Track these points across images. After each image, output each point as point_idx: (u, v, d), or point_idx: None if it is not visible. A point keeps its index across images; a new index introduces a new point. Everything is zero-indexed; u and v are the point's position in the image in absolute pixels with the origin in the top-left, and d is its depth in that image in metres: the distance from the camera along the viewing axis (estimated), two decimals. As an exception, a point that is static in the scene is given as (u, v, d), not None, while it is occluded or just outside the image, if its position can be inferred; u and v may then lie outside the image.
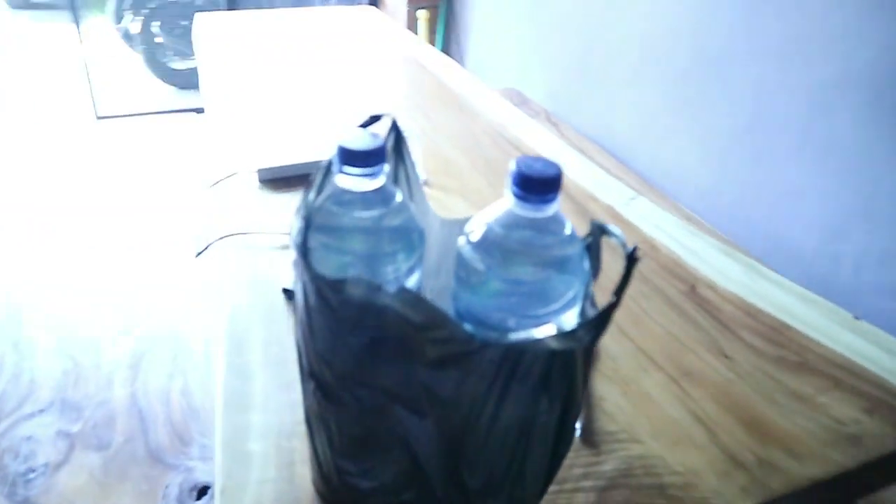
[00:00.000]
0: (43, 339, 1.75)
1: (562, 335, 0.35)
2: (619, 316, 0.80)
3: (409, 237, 0.43)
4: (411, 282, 0.43)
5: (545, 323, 0.38)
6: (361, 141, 0.43)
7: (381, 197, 0.43)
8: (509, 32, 2.75)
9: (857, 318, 0.85)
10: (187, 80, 4.02)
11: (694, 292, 0.86)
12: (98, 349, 1.72)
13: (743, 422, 0.67)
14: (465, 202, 1.04)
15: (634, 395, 0.69)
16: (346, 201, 0.42)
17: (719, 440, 0.65)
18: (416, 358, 0.37)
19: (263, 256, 0.89)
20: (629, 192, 1.12)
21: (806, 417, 0.68)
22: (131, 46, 3.95)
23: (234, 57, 1.72)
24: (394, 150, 0.59)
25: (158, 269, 2.08)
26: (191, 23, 3.90)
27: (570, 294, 0.39)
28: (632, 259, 0.37)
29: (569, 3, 2.32)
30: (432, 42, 3.21)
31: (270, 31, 2.01)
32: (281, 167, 1.06)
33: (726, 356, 0.76)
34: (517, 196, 0.39)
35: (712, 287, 0.88)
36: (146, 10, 3.84)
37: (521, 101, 2.42)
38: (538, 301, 0.38)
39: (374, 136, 0.45)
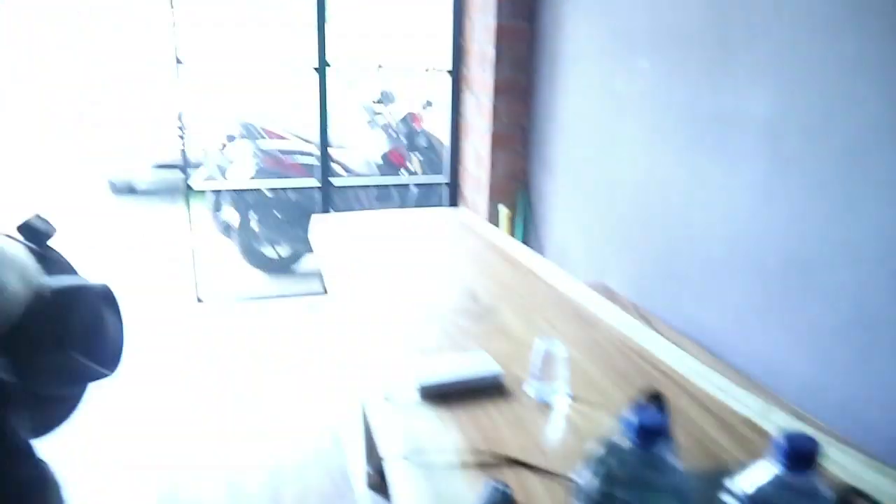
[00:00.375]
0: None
1: None
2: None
3: (685, 495, 0.52)
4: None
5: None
6: (656, 419, 0.53)
7: (665, 462, 0.53)
8: (590, 226, 2.95)
9: None
10: (279, 267, 4.32)
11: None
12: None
13: None
14: (610, 417, 1.13)
15: None
16: (638, 466, 0.52)
17: None
18: None
19: (442, 476, 0.97)
20: (761, 403, 1.19)
21: None
22: (228, 236, 4.29)
23: (350, 252, 1.91)
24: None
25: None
26: (284, 215, 4.28)
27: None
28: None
29: (649, 199, 2.51)
30: (512, 235, 3.43)
31: (376, 229, 2.22)
32: (443, 384, 1.17)
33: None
34: (786, 466, 0.48)
35: (871, 501, 0.92)
36: (244, 203, 4.21)
37: (608, 295, 2.54)
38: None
39: (661, 413, 0.55)
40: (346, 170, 4.35)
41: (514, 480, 0.95)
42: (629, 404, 1.16)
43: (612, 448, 0.54)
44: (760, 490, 0.49)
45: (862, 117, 1.67)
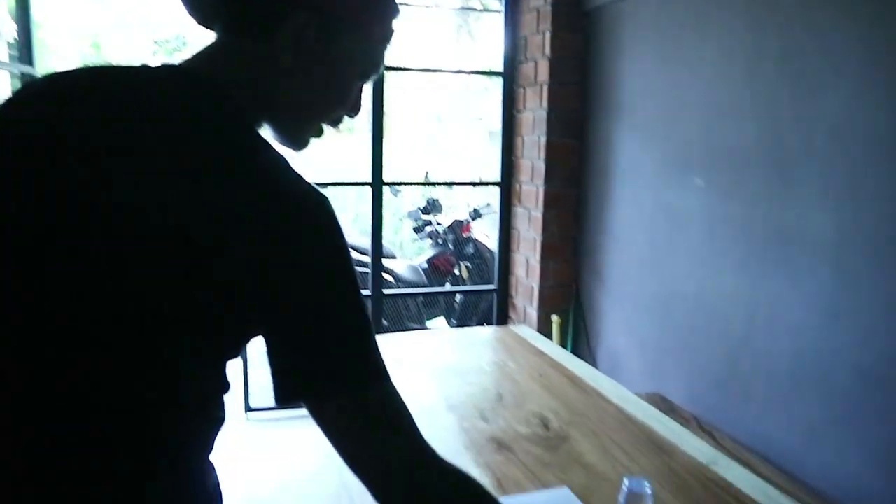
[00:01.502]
0: None
1: None
2: None
3: None
4: None
5: None
6: None
7: None
8: (644, 336, 2.95)
9: None
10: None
11: None
12: None
13: None
14: (703, 557, 1.11)
15: None
16: None
17: None
18: None
19: None
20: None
21: None
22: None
23: (409, 377, 1.94)
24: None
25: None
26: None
27: None
28: None
29: (707, 311, 2.52)
30: (564, 343, 3.44)
31: (431, 350, 2.26)
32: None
33: None
34: None
35: None
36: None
37: (667, 407, 2.52)
38: None
39: None
40: (395, 277, 4.44)
41: None
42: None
43: None
44: None
45: (924, 239, 1.69)
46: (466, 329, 2.58)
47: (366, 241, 3.67)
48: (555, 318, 3.38)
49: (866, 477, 1.87)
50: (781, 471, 2.09)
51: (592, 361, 3.38)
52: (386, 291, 3.79)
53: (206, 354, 0.73)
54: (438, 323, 4.81)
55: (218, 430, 0.79)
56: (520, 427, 1.63)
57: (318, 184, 0.74)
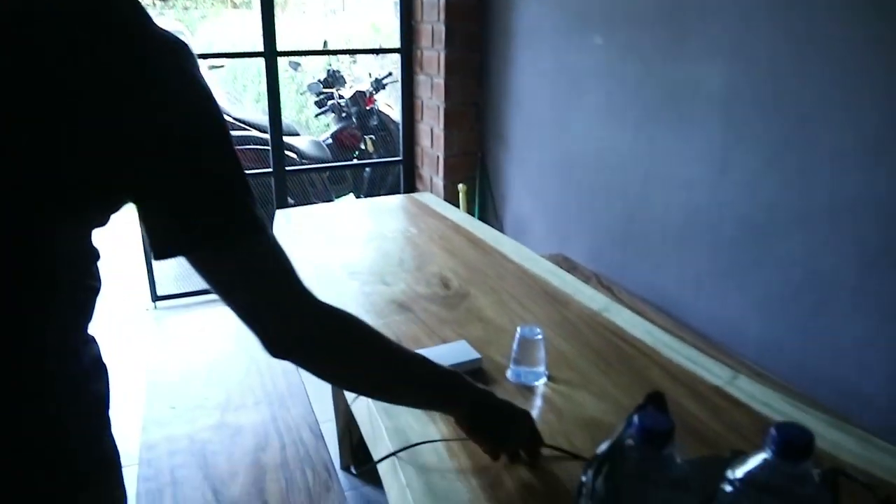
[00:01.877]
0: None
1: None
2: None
3: (685, 487, 0.56)
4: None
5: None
6: (661, 423, 0.57)
7: (669, 461, 0.57)
8: (549, 199, 3.00)
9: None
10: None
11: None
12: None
13: None
14: (589, 395, 1.17)
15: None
16: (645, 466, 0.56)
17: None
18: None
19: (431, 469, 1.01)
20: (728, 371, 1.25)
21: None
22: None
23: (315, 246, 1.91)
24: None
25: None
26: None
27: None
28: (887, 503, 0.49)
29: (607, 171, 2.57)
30: (471, 211, 3.46)
31: (339, 220, 2.23)
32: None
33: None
34: (779, 456, 0.53)
35: (835, 462, 0.99)
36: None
37: (569, 266, 2.60)
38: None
39: (667, 417, 0.59)
40: (298, 154, 4.30)
41: (500, 463, 0.99)
42: (630, 405, 1.21)
43: (618, 449, 0.57)
44: (755, 477, 0.54)
45: (812, 90, 1.74)
46: (369, 199, 2.54)
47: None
48: (461, 187, 3.38)
49: (745, 321, 2.01)
50: (672, 318, 2.22)
51: (500, 227, 3.43)
52: (288, 168, 3.67)
53: (73, 220, 0.67)
54: (347, 199, 4.75)
55: (93, 299, 0.75)
56: (420, 288, 1.64)
57: (208, 55, 0.67)
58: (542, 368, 1.22)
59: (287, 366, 2.02)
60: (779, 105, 1.83)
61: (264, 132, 3.84)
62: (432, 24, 3.31)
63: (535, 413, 1.13)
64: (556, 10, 2.75)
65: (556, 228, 2.98)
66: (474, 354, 1.27)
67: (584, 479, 0.59)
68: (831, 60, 1.68)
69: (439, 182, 3.53)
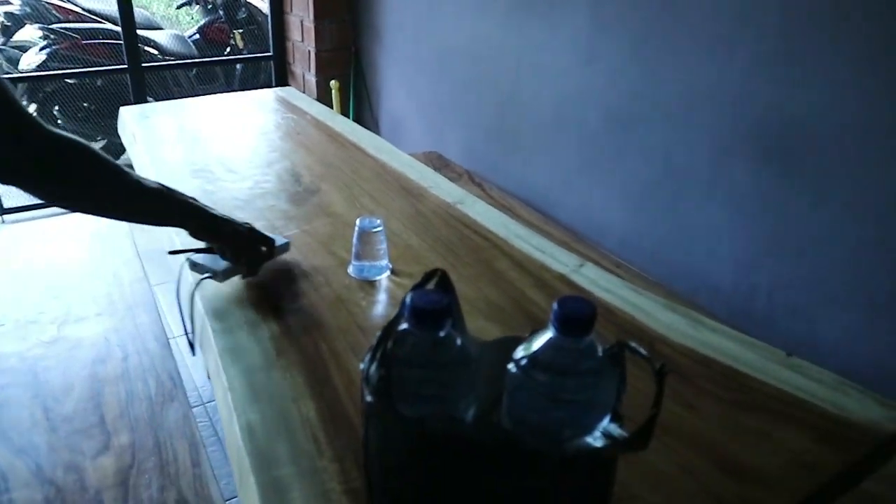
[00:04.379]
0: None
1: (621, 441, 0.44)
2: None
3: (469, 370, 0.51)
4: (472, 406, 0.51)
5: (590, 430, 0.47)
6: (432, 301, 0.51)
7: (446, 342, 0.51)
8: (423, 95, 2.89)
9: (789, 354, 0.99)
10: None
11: (653, 350, 0.98)
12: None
13: (720, 464, 0.78)
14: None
15: (627, 456, 0.79)
16: (418, 349, 0.50)
17: (705, 486, 0.75)
18: (490, 474, 0.46)
19: (257, 371, 0.94)
20: (575, 259, 1.23)
21: (769, 452, 0.80)
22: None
23: (164, 144, 1.75)
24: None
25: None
26: (92, 105, 3.86)
27: (607, 404, 0.48)
28: (661, 374, 0.46)
29: (479, 65, 2.48)
30: (345, 110, 3.31)
31: (192, 117, 2.05)
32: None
33: (692, 406, 0.87)
34: (561, 332, 0.48)
35: (666, 343, 1.00)
36: (43, 95, 3.76)
37: (441, 163, 2.54)
38: (583, 412, 0.47)
39: (440, 295, 0.53)
40: (160, 50, 3.95)
41: (327, 350, 0.94)
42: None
43: (389, 332, 0.52)
44: (540, 355, 0.50)
45: (667, -30, 1.69)
46: (225, 95, 2.35)
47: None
48: (333, 84, 3.21)
49: (609, 213, 2.02)
50: (541, 213, 2.21)
51: (375, 125, 3.30)
52: (146, 64, 3.36)
53: None
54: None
55: None
56: (268, 184, 1.54)
57: None
58: (384, 262, 1.16)
59: (135, 274, 1.88)
60: (642, -10, 1.78)
61: (115, 24, 3.47)
62: None
63: (378, 307, 1.08)
64: None
65: (431, 126, 2.89)
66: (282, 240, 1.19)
67: (361, 365, 0.53)
68: (692, -59, 1.63)
69: (312, 79, 3.33)
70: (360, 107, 3.37)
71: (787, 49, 1.47)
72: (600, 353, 0.50)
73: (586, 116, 2.03)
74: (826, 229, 1.47)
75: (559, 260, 1.23)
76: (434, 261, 1.21)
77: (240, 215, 1.38)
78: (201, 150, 1.76)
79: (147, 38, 3.88)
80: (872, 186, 1.37)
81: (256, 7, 4.34)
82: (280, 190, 1.50)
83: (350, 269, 1.17)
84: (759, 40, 1.52)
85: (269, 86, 3.80)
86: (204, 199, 1.45)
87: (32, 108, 3.76)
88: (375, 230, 1.13)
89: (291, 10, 3.37)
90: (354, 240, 1.15)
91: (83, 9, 3.96)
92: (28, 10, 3.96)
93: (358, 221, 1.14)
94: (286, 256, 1.20)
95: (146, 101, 3.34)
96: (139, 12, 4.38)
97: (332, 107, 3.20)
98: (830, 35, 1.39)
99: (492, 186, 2.35)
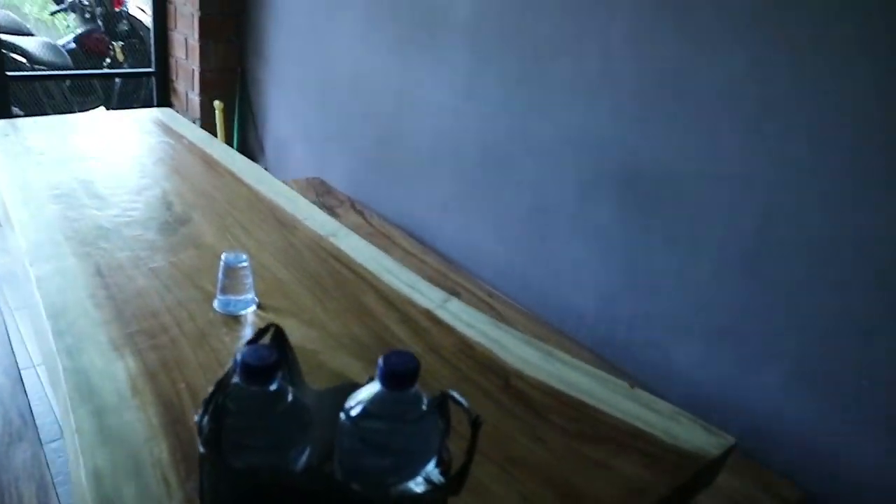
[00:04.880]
0: None
1: (437, 487, 0.48)
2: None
3: (301, 421, 0.53)
4: (304, 455, 0.53)
5: (415, 475, 0.51)
6: (261, 357, 0.53)
7: (277, 396, 0.53)
8: (308, 120, 2.89)
9: (632, 386, 1.07)
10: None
11: (508, 385, 1.03)
12: None
13: (561, 495, 0.83)
14: (298, 322, 1.14)
15: (472, 487, 0.83)
16: (249, 403, 0.52)
17: (544, 516, 0.80)
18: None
19: (112, 413, 0.92)
20: (441, 294, 1.28)
21: (605, 481, 0.86)
22: None
23: (20, 164, 1.67)
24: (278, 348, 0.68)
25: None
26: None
27: (431, 450, 0.51)
28: (476, 424, 0.50)
29: (364, 93, 2.51)
30: (230, 132, 3.25)
31: (61, 134, 1.97)
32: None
33: (540, 439, 0.92)
34: (386, 386, 0.51)
35: (521, 377, 1.05)
36: None
37: (324, 190, 2.55)
38: (408, 459, 0.50)
39: (270, 351, 0.55)
40: (28, 58, 3.74)
41: (186, 388, 0.93)
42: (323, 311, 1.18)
43: (223, 387, 0.53)
44: (368, 405, 0.52)
45: (544, 26, 1.79)
46: (95, 113, 2.27)
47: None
48: (217, 104, 3.15)
49: (484, 244, 2.09)
50: (420, 242, 2.26)
51: (261, 149, 3.27)
52: (12, 73, 3.18)
53: None
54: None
55: None
56: (136, 212, 1.50)
57: None
58: (249, 296, 1.16)
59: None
60: (517, 37, 1.87)
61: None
62: (180, -82, 2.98)
63: (241, 343, 1.08)
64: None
65: (315, 152, 2.89)
66: None
67: (196, 418, 0.54)
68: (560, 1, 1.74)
69: (195, 98, 3.26)
70: (246, 129, 3.32)
71: (640, 102, 1.59)
72: (425, 403, 0.53)
73: (464, 151, 2.10)
74: (675, 266, 1.59)
75: (426, 295, 1.27)
76: (302, 295, 1.22)
77: (104, 245, 1.34)
78: (66, 173, 1.69)
79: (13, 43, 3.67)
80: (709, 228, 1.50)
81: (139, 20, 4.19)
82: (148, 218, 1.47)
83: (215, 304, 1.16)
84: (618, 93, 1.64)
85: (150, 102, 3.68)
86: (65, 228, 1.40)
87: None
88: (241, 265, 1.13)
89: (176, 27, 3.29)
90: (220, 274, 1.14)
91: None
92: None
93: (224, 256, 1.14)
94: (150, 289, 1.18)
95: (11, 114, 3.16)
96: (5, 15, 4.14)
97: (215, 128, 3.14)
98: (674, 92, 1.52)
99: (373, 214, 2.38)
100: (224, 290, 1.14)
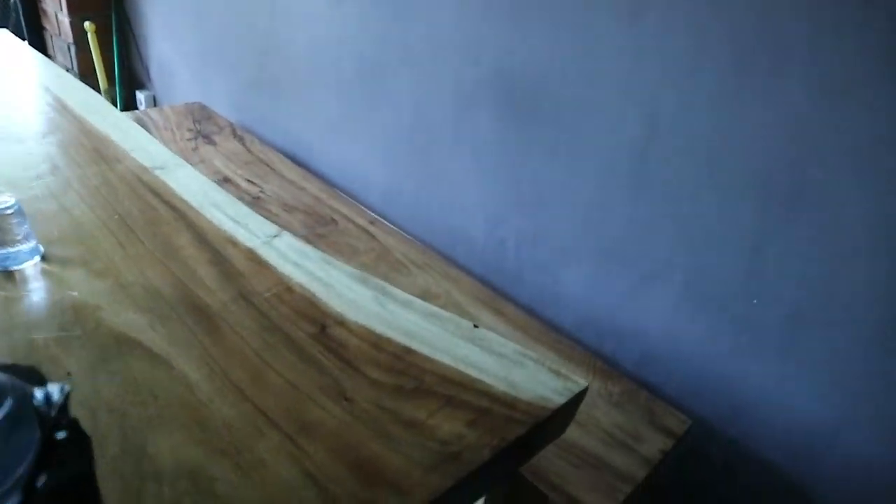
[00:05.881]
0: None
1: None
2: (238, 376, 0.79)
3: None
4: None
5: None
6: None
7: None
8: (188, 42, 2.62)
9: (476, 326, 0.93)
10: None
11: (323, 332, 0.88)
12: None
13: (353, 468, 0.69)
14: (86, 273, 0.96)
15: (247, 464, 0.69)
16: None
17: (329, 495, 0.66)
18: None
19: None
20: (273, 229, 1.11)
21: (413, 446, 0.73)
22: None
23: None
24: None
25: None
26: None
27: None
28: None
29: (236, 12, 2.25)
30: (106, 54, 2.95)
31: None
32: None
33: (346, 398, 0.78)
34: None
35: (342, 323, 0.90)
36: None
37: (205, 115, 2.31)
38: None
39: None
40: None
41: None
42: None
43: None
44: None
45: None
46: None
47: None
48: (88, 25, 2.84)
49: (369, 165, 1.92)
50: (304, 167, 2.07)
51: (146, 74, 2.98)
52: None
53: None
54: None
55: None
56: (-76, 152, 1.27)
57: None
58: (26, 247, 0.97)
59: None
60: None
61: None
62: None
63: (17, 304, 0.90)
64: None
65: (197, 75, 2.63)
66: None
67: None
68: None
69: (65, 19, 2.93)
70: (128, 53, 3.02)
71: (512, -7, 1.40)
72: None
73: (340, 64, 1.89)
74: (559, 180, 1.44)
75: (253, 231, 1.09)
76: (100, 240, 1.04)
77: None
78: None
79: None
80: (592, 137, 1.35)
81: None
82: (-62, 157, 1.25)
83: (-15, 258, 0.97)
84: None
85: (19, 24, 3.32)
86: None
87: None
88: (6, 211, 0.94)
89: (34, -62, 2.93)
90: (-14, 222, 0.95)
91: None
92: None
93: (-13, 200, 0.94)
94: None
95: None
96: None
97: (89, 50, 2.84)
98: (550, -22, 1.33)
99: (254, 140, 2.17)
100: (-6, 241, 0.96)
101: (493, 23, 1.45)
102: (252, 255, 1.03)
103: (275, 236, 1.08)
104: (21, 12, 3.16)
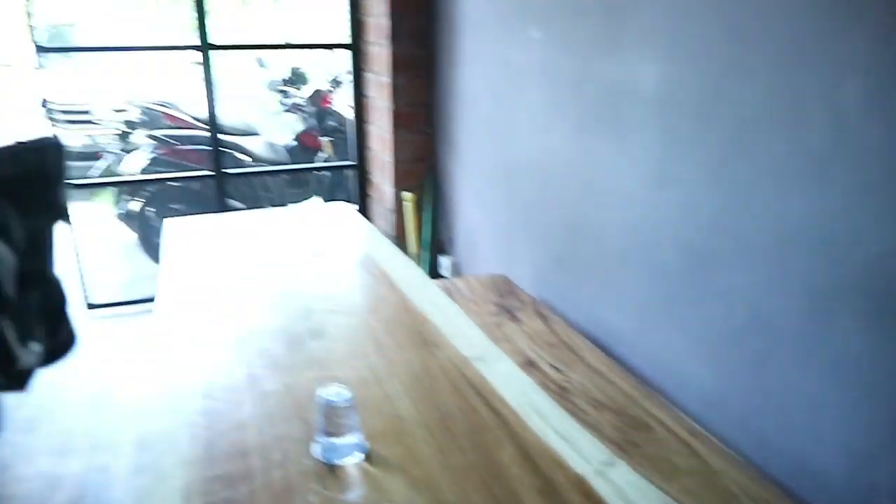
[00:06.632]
0: None
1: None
2: None
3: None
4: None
5: None
6: None
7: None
8: (495, 212, 2.70)
9: None
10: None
11: None
12: None
13: None
14: (405, 482, 0.87)
15: None
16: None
17: None
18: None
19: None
20: (605, 454, 0.95)
21: None
22: (129, 226, 3.96)
23: (184, 263, 1.63)
24: None
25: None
26: (183, 206, 3.95)
27: None
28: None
29: (547, 181, 2.27)
30: (419, 224, 3.17)
31: (229, 233, 1.94)
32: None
33: None
34: None
35: None
36: (144, 194, 3.89)
37: (508, 290, 2.30)
38: None
39: None
40: (251, 156, 4.02)
41: None
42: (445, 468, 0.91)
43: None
44: None
45: (752, 92, 1.43)
46: (271, 211, 2.26)
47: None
48: (406, 195, 3.09)
49: (687, 364, 1.70)
50: (610, 356, 1.91)
51: (451, 243, 3.14)
52: (227, 171, 3.38)
53: None
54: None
55: None
56: (276, 318, 1.35)
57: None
58: (353, 441, 0.92)
59: None
60: (717, 108, 1.53)
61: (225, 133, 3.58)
62: (378, 17, 3.02)
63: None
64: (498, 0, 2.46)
65: (502, 245, 2.68)
66: None
67: None
68: (772, 59, 1.37)
69: (389, 190, 3.23)
70: (436, 221, 3.22)
71: (893, 183, 1.16)
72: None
73: (659, 249, 1.75)
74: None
75: (583, 454, 0.94)
76: (421, 443, 0.96)
77: (231, 357, 1.19)
78: (223, 273, 1.62)
79: (238, 144, 3.97)
80: None
81: (345, 116, 4.39)
82: (280, 329, 1.31)
83: (313, 448, 0.94)
84: (858, 172, 1.22)
85: (349, 195, 3.75)
86: (208, 331, 1.29)
87: (136, 206, 3.90)
88: (342, 406, 0.91)
89: (372, 121, 3.33)
90: (318, 413, 0.92)
91: (192, 117, 4.12)
92: (144, 118, 4.20)
93: (321, 394, 0.92)
94: (252, 421, 0.99)
95: (226, 206, 3.35)
96: (240, 119, 4.54)
97: (403, 216, 3.08)
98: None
99: (558, 320, 2.07)
100: (325, 433, 0.92)
101: (864, 216, 1.22)
102: (583, 487, 0.87)
103: (610, 465, 0.92)
104: (357, 182, 3.58)
